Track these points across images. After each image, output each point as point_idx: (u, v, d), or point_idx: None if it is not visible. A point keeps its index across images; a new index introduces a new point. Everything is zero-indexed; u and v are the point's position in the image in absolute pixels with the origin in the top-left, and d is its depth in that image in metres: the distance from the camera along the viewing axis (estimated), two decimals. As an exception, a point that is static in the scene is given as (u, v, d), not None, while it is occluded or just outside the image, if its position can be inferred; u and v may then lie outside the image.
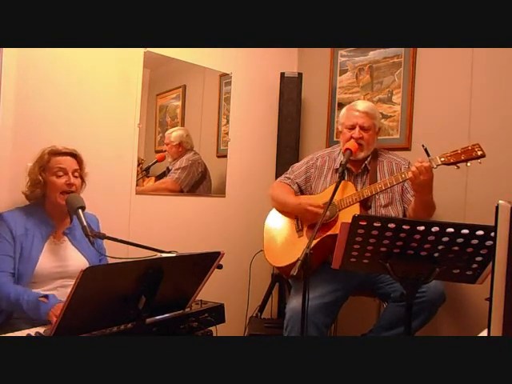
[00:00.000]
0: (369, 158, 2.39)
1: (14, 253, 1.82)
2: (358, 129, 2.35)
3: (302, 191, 2.55)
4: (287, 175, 2.60)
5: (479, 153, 1.99)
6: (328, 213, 2.21)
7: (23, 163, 2.09)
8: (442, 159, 2.03)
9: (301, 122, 3.10)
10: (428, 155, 2.03)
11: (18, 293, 1.73)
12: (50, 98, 2.18)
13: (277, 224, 2.49)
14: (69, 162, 1.94)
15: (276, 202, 2.53)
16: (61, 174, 1.91)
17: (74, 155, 1.98)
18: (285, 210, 2.48)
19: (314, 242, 2.08)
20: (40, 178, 1.91)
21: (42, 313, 1.65)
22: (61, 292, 1.85)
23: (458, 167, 2.03)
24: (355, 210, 2.21)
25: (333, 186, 2.36)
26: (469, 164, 2.01)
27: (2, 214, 1.89)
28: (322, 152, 2.59)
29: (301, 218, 2.40)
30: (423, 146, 2.04)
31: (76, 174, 1.95)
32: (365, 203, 2.28)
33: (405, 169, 2.27)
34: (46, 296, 1.71)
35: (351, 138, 2.35)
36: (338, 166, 2.42)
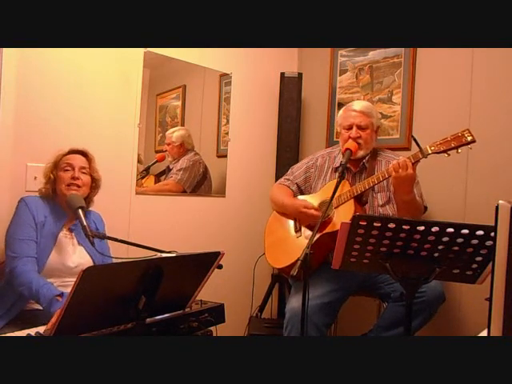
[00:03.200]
0: (367, 157, 2.40)
1: (36, 237, 1.88)
2: (355, 128, 2.35)
3: (301, 191, 2.56)
4: (287, 176, 2.61)
5: (469, 138, 1.96)
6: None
7: (23, 163, 2.10)
8: (432, 148, 2.02)
9: (301, 122, 3.10)
10: (418, 146, 2.02)
11: (39, 285, 1.76)
12: (49, 98, 2.18)
13: (276, 225, 2.49)
14: (77, 159, 2.01)
15: (274, 203, 2.54)
16: (68, 168, 1.98)
17: (84, 154, 2.05)
18: (282, 211, 2.48)
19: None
20: (51, 175, 1.98)
21: (52, 310, 1.66)
22: (61, 290, 1.84)
23: (449, 155, 2.01)
24: (350, 206, 2.22)
25: (329, 185, 2.38)
26: (460, 151, 2.00)
27: (25, 199, 1.95)
28: (322, 152, 2.60)
29: (298, 219, 2.41)
30: (413, 136, 2.04)
31: (83, 170, 2.01)
32: (359, 199, 2.28)
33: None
34: (61, 294, 1.73)
35: (349, 137, 2.35)
36: (338, 165, 2.43)
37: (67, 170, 1.97)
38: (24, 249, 1.84)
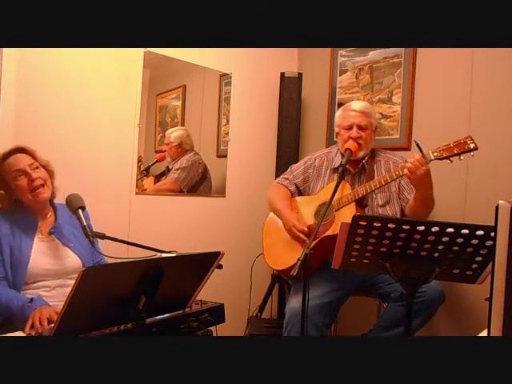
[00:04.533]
0: (366, 158, 2.39)
1: (1, 255, 1.79)
2: (355, 128, 2.35)
3: (300, 192, 2.55)
4: (285, 176, 2.60)
5: (472, 145, 1.97)
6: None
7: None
8: (435, 154, 2.01)
9: (301, 121, 3.11)
10: (421, 151, 2.02)
11: (9, 298, 1.72)
12: (49, 98, 2.18)
13: (275, 227, 2.48)
14: (20, 160, 1.86)
15: (271, 206, 2.53)
16: (20, 174, 1.84)
17: (22, 149, 1.90)
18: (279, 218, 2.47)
19: (313, 242, 2.08)
20: (1, 191, 1.84)
21: (25, 316, 1.64)
22: (59, 292, 1.83)
23: (451, 161, 2.01)
24: (351, 209, 2.21)
25: (329, 186, 2.37)
26: (462, 157, 1.99)
27: None
28: (320, 152, 2.59)
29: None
30: (415, 141, 2.04)
31: (34, 166, 1.87)
32: (361, 202, 2.28)
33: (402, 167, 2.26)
34: (31, 300, 1.70)
35: (349, 138, 2.34)
36: (337, 166, 2.43)
37: (20, 177, 1.83)
38: None
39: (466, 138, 1.99)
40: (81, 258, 1.92)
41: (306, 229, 2.28)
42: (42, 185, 1.87)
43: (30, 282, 1.83)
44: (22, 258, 1.81)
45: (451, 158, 2.00)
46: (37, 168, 1.88)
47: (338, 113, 2.48)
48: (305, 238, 2.24)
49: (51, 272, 1.86)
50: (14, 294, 1.75)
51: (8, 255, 1.80)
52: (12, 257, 1.80)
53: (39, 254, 1.86)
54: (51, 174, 1.95)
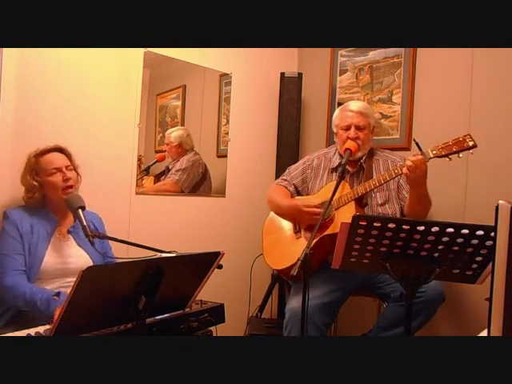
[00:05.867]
0: (364, 157, 2.39)
1: (22, 250, 1.85)
2: (353, 129, 2.35)
3: (298, 192, 2.55)
4: (284, 177, 2.60)
5: (471, 143, 1.98)
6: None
7: (23, 163, 2.09)
8: (434, 152, 2.02)
9: (301, 122, 3.10)
10: (420, 149, 2.03)
11: (33, 292, 1.76)
12: (50, 98, 2.18)
13: (275, 227, 2.49)
14: (60, 160, 1.96)
15: (271, 204, 2.53)
16: (54, 171, 1.93)
17: (61, 149, 1.98)
18: (280, 213, 2.47)
19: (313, 241, 2.08)
20: (34, 182, 1.92)
21: (51, 310, 1.67)
22: (63, 292, 1.85)
23: (450, 159, 2.01)
24: (351, 208, 2.21)
25: (328, 186, 2.38)
26: (461, 155, 2.00)
27: (7, 212, 1.92)
28: (318, 153, 2.59)
29: (297, 220, 2.40)
30: (415, 140, 2.04)
31: (69, 168, 1.97)
32: (360, 201, 2.28)
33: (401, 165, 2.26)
34: (57, 294, 1.74)
35: (348, 138, 2.35)
36: (335, 166, 2.43)
37: (55, 174, 1.92)
38: (9, 263, 1.83)
39: (465, 135, 2.00)
40: (92, 260, 1.96)
41: (317, 204, 2.29)
42: (72, 186, 1.94)
43: (41, 279, 1.87)
44: (36, 256, 1.86)
45: (450, 156, 2.01)
46: (71, 170, 1.97)
47: (336, 113, 2.49)
48: (318, 211, 2.23)
49: (60, 271, 1.90)
50: (38, 289, 1.79)
51: (27, 252, 1.86)
52: (28, 254, 1.86)
53: (53, 253, 1.90)
54: (79, 178, 2.03)
